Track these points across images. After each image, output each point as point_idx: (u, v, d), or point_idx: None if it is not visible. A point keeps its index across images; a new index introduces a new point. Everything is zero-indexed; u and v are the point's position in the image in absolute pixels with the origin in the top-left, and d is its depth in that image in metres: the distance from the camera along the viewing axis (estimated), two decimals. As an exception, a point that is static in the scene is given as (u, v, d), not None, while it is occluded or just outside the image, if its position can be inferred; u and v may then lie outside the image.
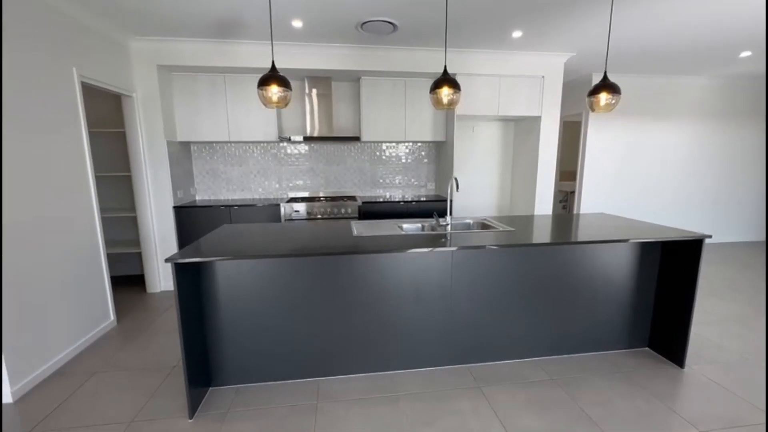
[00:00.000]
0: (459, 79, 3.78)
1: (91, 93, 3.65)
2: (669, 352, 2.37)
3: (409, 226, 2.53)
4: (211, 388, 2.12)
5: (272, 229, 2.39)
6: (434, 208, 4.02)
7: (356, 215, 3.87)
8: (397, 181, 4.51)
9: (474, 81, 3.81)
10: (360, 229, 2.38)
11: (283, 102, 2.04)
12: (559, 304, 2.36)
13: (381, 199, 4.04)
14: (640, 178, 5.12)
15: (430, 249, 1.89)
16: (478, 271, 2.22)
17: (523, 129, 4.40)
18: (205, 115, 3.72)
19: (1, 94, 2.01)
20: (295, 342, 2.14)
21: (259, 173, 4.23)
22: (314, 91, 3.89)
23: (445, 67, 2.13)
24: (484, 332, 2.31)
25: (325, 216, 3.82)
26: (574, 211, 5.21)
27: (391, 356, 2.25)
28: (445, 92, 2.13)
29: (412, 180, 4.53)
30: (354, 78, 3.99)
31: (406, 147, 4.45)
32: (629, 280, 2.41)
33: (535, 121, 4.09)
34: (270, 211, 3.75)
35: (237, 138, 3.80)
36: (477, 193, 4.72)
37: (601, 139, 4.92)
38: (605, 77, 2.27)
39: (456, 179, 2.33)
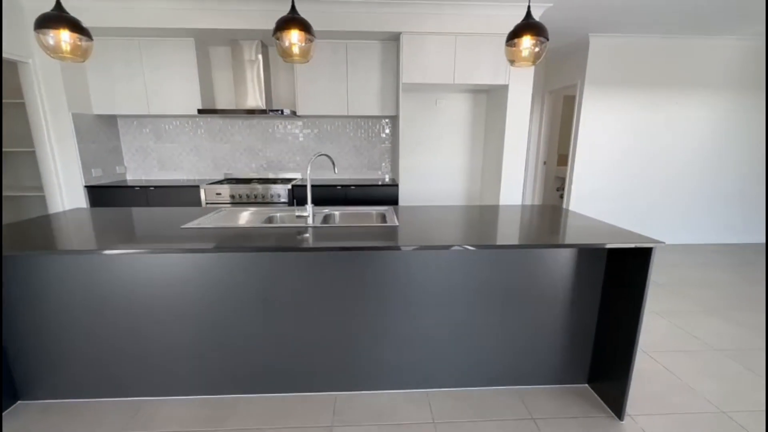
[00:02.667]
0: (405, 40, 3.14)
1: None
2: (608, 395, 1.76)
3: (284, 216, 2.04)
4: (19, 402, 1.78)
5: (116, 215, 1.99)
6: (380, 194, 3.48)
7: (286, 200, 3.41)
8: (347, 163, 3.98)
9: (424, 42, 3.16)
10: (208, 220, 1.92)
11: (79, 53, 1.58)
12: (467, 323, 1.80)
13: (321, 183, 3.54)
14: (651, 166, 4.26)
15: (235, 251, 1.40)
16: (348, 276, 1.71)
17: (495, 102, 3.70)
18: (122, 85, 3.36)
19: None
20: (118, 354, 1.75)
21: (192, 151, 3.86)
22: (244, 57, 3.41)
23: (293, 3, 1.57)
24: (358, 352, 1.81)
25: (251, 201, 3.39)
26: (564, 203, 4.46)
27: (235, 377, 1.81)
28: (295, 37, 1.59)
29: (365, 161, 3.98)
30: (290, 42, 3.45)
31: (356, 123, 3.89)
32: (564, 295, 1.80)
33: (503, 91, 3.39)
34: (191, 193, 3.37)
35: (157, 111, 3.41)
36: (442, 178, 4.09)
37: (600, 116, 4.10)
38: (528, 14, 1.62)
39: (330, 158, 1.79)
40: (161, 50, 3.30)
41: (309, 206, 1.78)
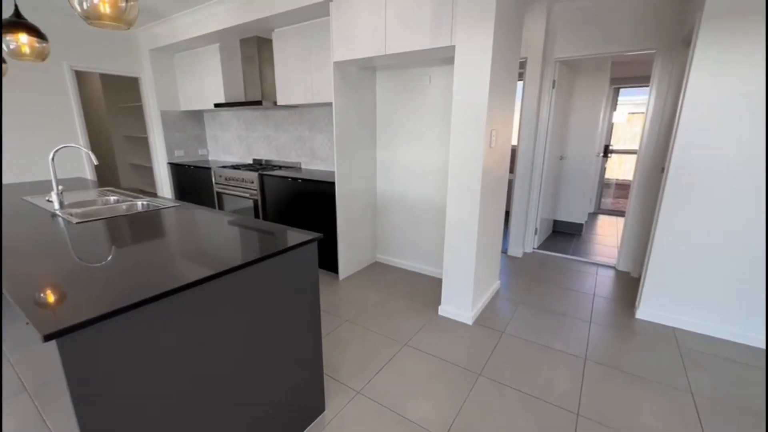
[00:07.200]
0: (334, 9, 2.56)
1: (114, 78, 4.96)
2: None
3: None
4: None
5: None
6: (319, 191, 3.13)
7: (256, 190, 3.59)
8: (333, 153, 3.70)
9: (353, 7, 2.48)
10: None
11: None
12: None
13: (294, 175, 3.51)
14: None
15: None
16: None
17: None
18: (189, 87, 4.40)
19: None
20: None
21: (236, 139, 4.60)
22: (246, 54, 3.72)
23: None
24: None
25: (230, 185, 3.79)
26: (645, 258, 2.50)
27: None
28: (23, 39, 1.73)
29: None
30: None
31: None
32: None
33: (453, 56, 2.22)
34: (205, 175, 4.11)
35: (188, 106, 4.38)
36: (428, 179, 3.11)
37: (733, 82, 2.00)
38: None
39: (90, 154, 1.85)
40: (199, 55, 4.09)
41: (54, 192, 1.91)
